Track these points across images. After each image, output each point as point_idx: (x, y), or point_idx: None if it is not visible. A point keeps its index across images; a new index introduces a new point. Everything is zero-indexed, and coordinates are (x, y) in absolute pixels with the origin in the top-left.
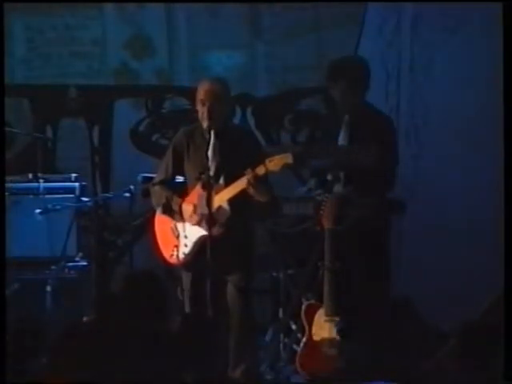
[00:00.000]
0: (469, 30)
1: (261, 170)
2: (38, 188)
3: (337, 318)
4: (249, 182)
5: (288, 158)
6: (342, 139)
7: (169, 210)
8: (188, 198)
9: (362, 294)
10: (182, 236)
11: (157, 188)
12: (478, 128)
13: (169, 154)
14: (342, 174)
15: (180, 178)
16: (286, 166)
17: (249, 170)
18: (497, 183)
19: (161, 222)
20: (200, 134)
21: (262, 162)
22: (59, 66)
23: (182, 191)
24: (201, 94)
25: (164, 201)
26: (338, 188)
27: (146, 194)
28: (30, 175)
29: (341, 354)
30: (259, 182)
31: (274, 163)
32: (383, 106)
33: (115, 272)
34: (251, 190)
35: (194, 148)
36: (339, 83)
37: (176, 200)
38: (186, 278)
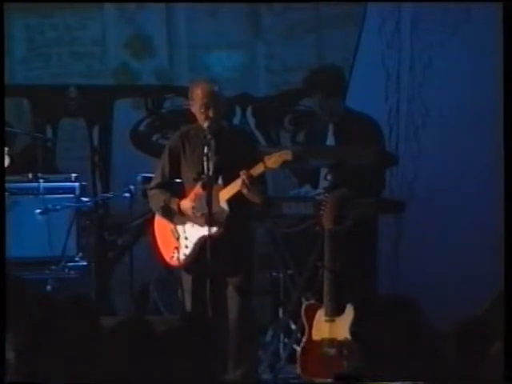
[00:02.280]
0: (469, 30)
1: (260, 168)
2: (38, 188)
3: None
4: (243, 183)
5: (287, 155)
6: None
7: (168, 213)
8: (186, 199)
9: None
10: (182, 237)
11: (154, 191)
12: (478, 128)
13: (165, 157)
14: (341, 174)
15: (177, 181)
16: (285, 163)
17: (243, 171)
18: (497, 183)
19: (160, 223)
20: (196, 135)
21: (260, 159)
22: (59, 66)
23: (180, 193)
24: (199, 95)
25: (162, 204)
26: (337, 188)
27: (146, 194)
28: (30, 175)
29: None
30: (253, 182)
31: (273, 160)
32: (383, 106)
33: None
34: (245, 191)
35: (191, 149)
36: (315, 96)
37: (174, 201)
38: (187, 278)
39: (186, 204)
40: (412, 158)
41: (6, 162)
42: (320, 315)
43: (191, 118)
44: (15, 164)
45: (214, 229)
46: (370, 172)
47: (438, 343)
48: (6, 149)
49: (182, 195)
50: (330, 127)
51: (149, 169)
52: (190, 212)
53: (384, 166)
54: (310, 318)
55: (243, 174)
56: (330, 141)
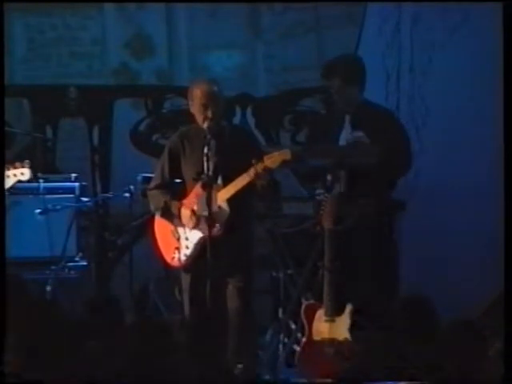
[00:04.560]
0: (469, 30)
1: (259, 168)
2: (37, 188)
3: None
4: (256, 174)
5: (286, 155)
6: (343, 139)
7: (168, 214)
8: (186, 201)
9: (366, 294)
10: (182, 238)
11: (154, 192)
12: (478, 128)
13: (164, 157)
14: (342, 174)
15: (177, 181)
16: (284, 163)
17: (255, 161)
18: (497, 183)
19: (160, 224)
20: (196, 135)
21: (260, 159)
22: (59, 65)
23: (180, 193)
24: (198, 96)
25: (162, 205)
26: (337, 188)
27: (146, 194)
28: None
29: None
30: (266, 173)
31: (272, 160)
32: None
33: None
34: (258, 183)
35: (191, 149)
36: (334, 82)
37: (175, 204)
38: (186, 278)
39: (186, 213)
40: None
41: (27, 175)
42: (320, 315)
43: (191, 118)
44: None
45: (215, 229)
46: (373, 170)
47: (439, 343)
48: (27, 161)
49: (182, 196)
50: (347, 118)
51: (149, 169)
52: (186, 221)
53: (397, 163)
54: (310, 318)
55: (257, 165)
56: (346, 131)
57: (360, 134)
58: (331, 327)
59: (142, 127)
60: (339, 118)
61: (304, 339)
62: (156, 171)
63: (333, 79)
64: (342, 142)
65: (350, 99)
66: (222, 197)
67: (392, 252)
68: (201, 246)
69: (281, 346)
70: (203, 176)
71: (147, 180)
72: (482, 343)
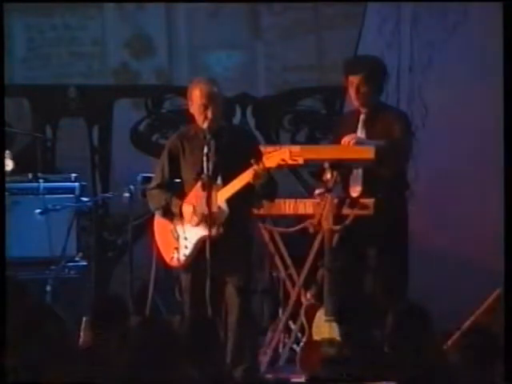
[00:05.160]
0: (468, 30)
1: (259, 168)
2: (37, 188)
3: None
4: (256, 174)
5: (285, 154)
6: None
7: (169, 213)
8: (187, 200)
9: (369, 294)
10: (181, 238)
11: (154, 192)
12: (478, 128)
13: (164, 158)
14: (343, 174)
15: (177, 181)
16: (283, 162)
17: (255, 162)
18: (497, 183)
19: (160, 224)
20: (195, 135)
21: (259, 159)
22: (59, 65)
23: (180, 193)
24: (197, 96)
25: (164, 204)
26: (338, 188)
27: (146, 194)
28: (30, 175)
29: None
30: (265, 173)
31: (272, 160)
32: None
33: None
34: (257, 182)
35: (190, 149)
36: (355, 79)
37: (175, 202)
38: (186, 278)
39: (187, 209)
40: (412, 158)
41: (10, 166)
42: (320, 315)
43: (191, 118)
44: (15, 164)
45: (214, 229)
46: (375, 170)
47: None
48: (8, 152)
49: (182, 195)
50: (362, 117)
51: (149, 169)
52: (188, 218)
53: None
54: (310, 318)
55: (256, 165)
56: (361, 131)
57: (362, 137)
58: (331, 327)
59: (141, 127)
60: (354, 117)
61: (304, 339)
62: (156, 171)
63: (355, 75)
64: None
65: (369, 98)
66: (222, 197)
67: (398, 253)
68: (200, 246)
69: (281, 346)
70: (203, 176)
71: (147, 180)
72: (485, 343)
